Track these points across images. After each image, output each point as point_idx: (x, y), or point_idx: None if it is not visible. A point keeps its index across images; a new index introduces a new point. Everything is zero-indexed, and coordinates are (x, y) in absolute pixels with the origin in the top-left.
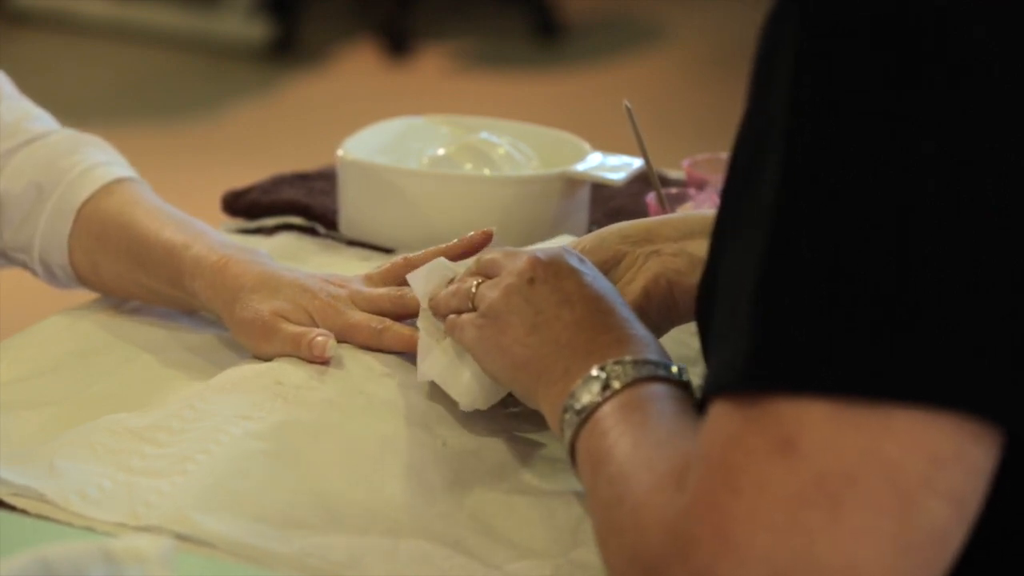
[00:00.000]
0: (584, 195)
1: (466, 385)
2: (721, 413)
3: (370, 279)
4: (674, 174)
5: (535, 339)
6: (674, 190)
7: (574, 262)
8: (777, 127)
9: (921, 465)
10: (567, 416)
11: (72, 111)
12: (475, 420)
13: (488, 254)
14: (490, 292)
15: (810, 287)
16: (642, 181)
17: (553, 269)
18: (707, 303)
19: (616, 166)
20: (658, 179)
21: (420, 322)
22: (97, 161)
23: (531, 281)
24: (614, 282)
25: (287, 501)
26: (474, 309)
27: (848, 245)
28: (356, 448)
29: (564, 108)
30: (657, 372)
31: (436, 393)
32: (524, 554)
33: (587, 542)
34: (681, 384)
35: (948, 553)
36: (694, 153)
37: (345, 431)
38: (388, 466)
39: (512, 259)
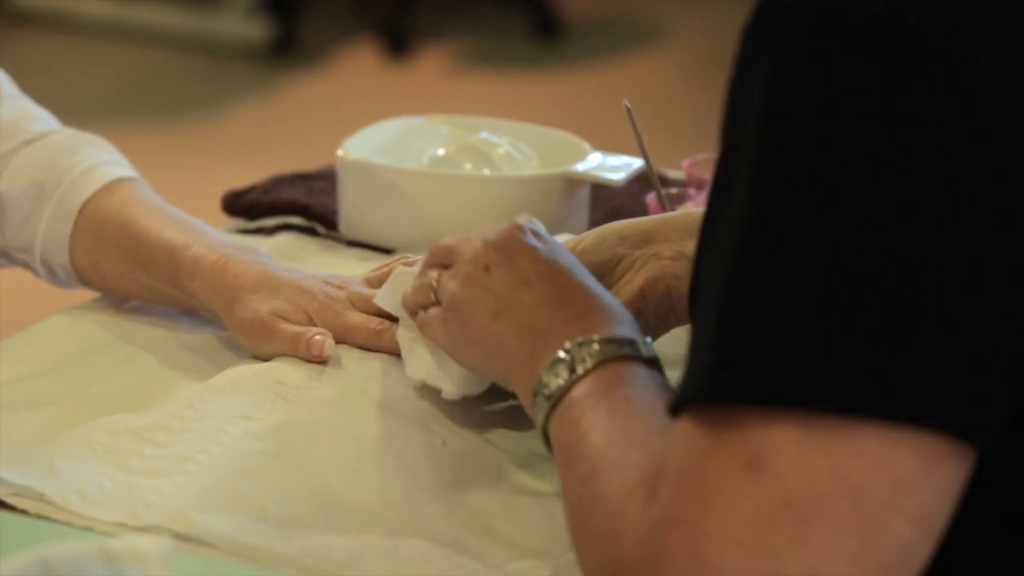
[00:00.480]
0: (584, 195)
1: (448, 377)
2: (691, 426)
3: (369, 281)
4: (674, 174)
5: (500, 326)
6: (674, 190)
7: (528, 239)
8: (750, 136)
9: (887, 488)
10: (537, 400)
11: (72, 111)
12: (475, 420)
13: (443, 241)
14: (450, 284)
15: (776, 300)
16: (642, 181)
17: (507, 252)
18: (694, 308)
19: (616, 166)
20: (658, 179)
21: (399, 329)
22: (98, 161)
23: (487, 268)
24: (612, 284)
25: (287, 501)
26: (439, 302)
27: (813, 259)
28: (356, 448)
29: (564, 108)
30: (623, 351)
31: (435, 393)
32: (524, 554)
33: None
34: (649, 361)
35: (913, 570)
36: (694, 153)
37: (345, 431)
38: (388, 466)
39: (466, 245)
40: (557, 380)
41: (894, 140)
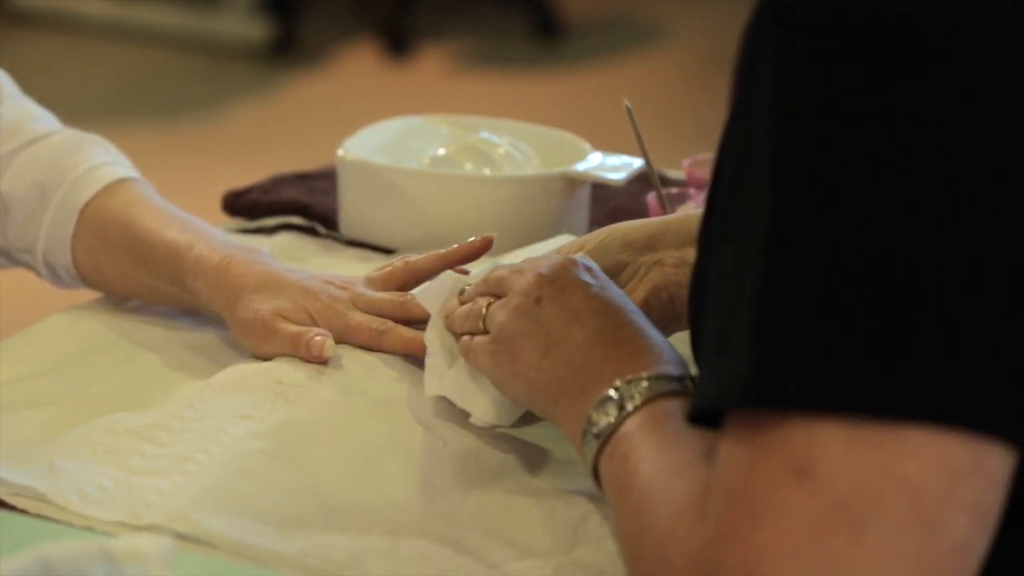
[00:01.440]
0: (584, 195)
1: (486, 405)
2: (733, 438)
3: (371, 282)
4: (674, 174)
5: (548, 362)
6: (674, 190)
7: (580, 274)
8: (762, 137)
9: (941, 480)
10: (587, 439)
11: (72, 111)
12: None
13: (496, 271)
14: (499, 314)
15: (814, 304)
16: (642, 181)
17: (559, 285)
18: (698, 308)
19: (616, 166)
20: (658, 179)
21: (429, 335)
22: (100, 161)
23: (538, 301)
24: None
25: (287, 501)
26: (486, 330)
27: (851, 260)
28: (356, 448)
29: (564, 108)
30: (672, 387)
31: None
32: (524, 554)
33: (587, 542)
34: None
35: (972, 563)
36: (694, 153)
37: (345, 431)
38: (388, 466)
39: (519, 277)
40: (606, 418)
41: (895, 140)
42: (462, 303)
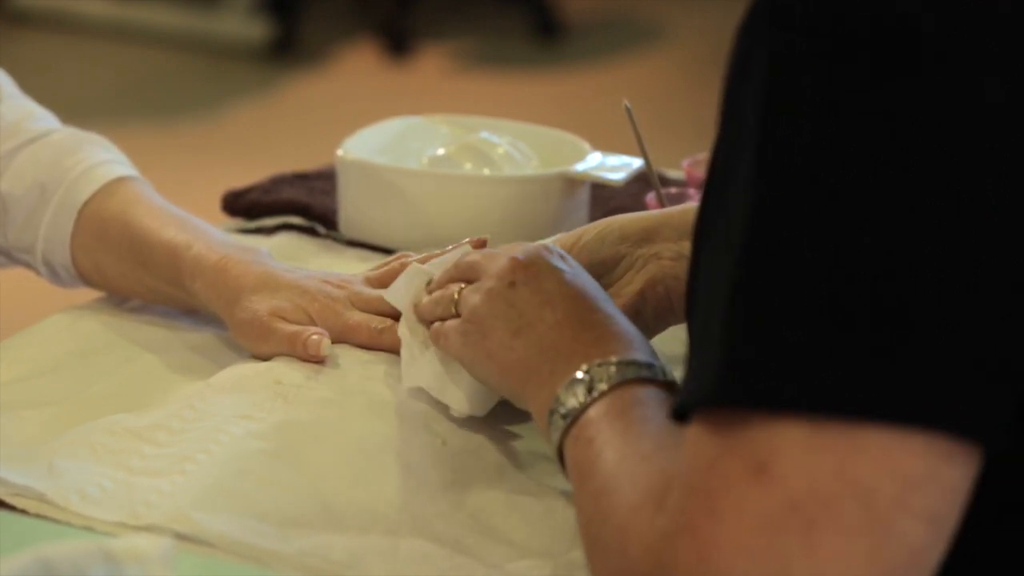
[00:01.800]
0: (584, 195)
1: (459, 393)
2: (698, 433)
3: (369, 281)
4: (674, 174)
5: (520, 342)
6: (674, 190)
7: (554, 260)
8: (752, 135)
9: (894, 487)
10: (553, 419)
11: (72, 111)
12: (475, 420)
13: (468, 257)
14: (472, 297)
15: (781, 304)
16: (642, 181)
17: (533, 270)
18: (691, 305)
19: (616, 166)
20: (658, 179)
21: (402, 329)
22: (99, 160)
23: (512, 284)
24: (612, 283)
25: (287, 501)
26: (458, 315)
27: (815, 262)
28: (356, 448)
29: (564, 108)
30: (641, 373)
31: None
32: (524, 554)
33: None
34: (665, 384)
35: (926, 568)
36: (694, 153)
37: (345, 431)
38: (388, 466)
39: (492, 261)
40: (574, 400)
41: (894, 140)
42: (430, 292)
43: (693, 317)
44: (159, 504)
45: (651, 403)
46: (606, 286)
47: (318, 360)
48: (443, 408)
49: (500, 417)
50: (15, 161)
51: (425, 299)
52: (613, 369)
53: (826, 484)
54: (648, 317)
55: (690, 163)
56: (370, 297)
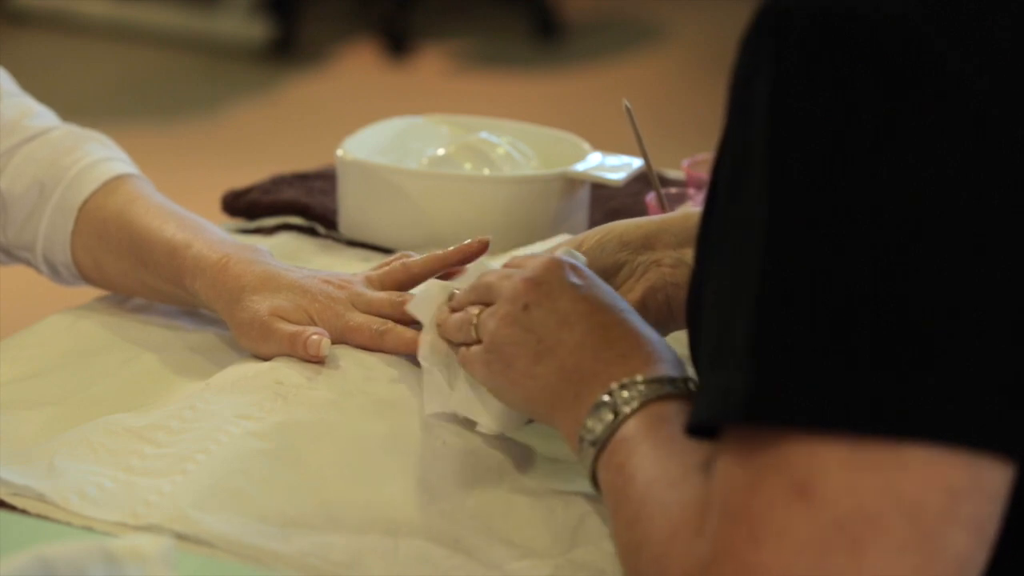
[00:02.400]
0: (584, 195)
1: (490, 415)
2: (733, 454)
3: (370, 281)
4: (674, 174)
5: (541, 369)
6: (674, 190)
7: (568, 276)
8: (759, 148)
9: (940, 499)
10: (583, 447)
11: (72, 111)
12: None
13: (484, 277)
14: (489, 323)
15: (813, 321)
16: (642, 181)
17: (546, 290)
18: (695, 314)
19: (616, 166)
20: (658, 179)
21: (423, 349)
22: (98, 157)
23: (526, 307)
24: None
25: (287, 501)
26: (479, 339)
27: (850, 276)
28: (356, 448)
29: (564, 108)
30: (667, 390)
31: None
32: (524, 554)
33: (587, 542)
34: (692, 397)
35: None
36: (694, 153)
37: (345, 431)
38: (388, 466)
39: (506, 283)
40: (601, 424)
41: (897, 153)
42: (452, 310)
43: (700, 328)
44: (159, 504)
45: (677, 420)
46: None
47: (318, 360)
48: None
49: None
50: (14, 159)
51: (448, 318)
52: (640, 388)
53: (872, 501)
54: (649, 323)
55: (690, 163)
56: (371, 298)
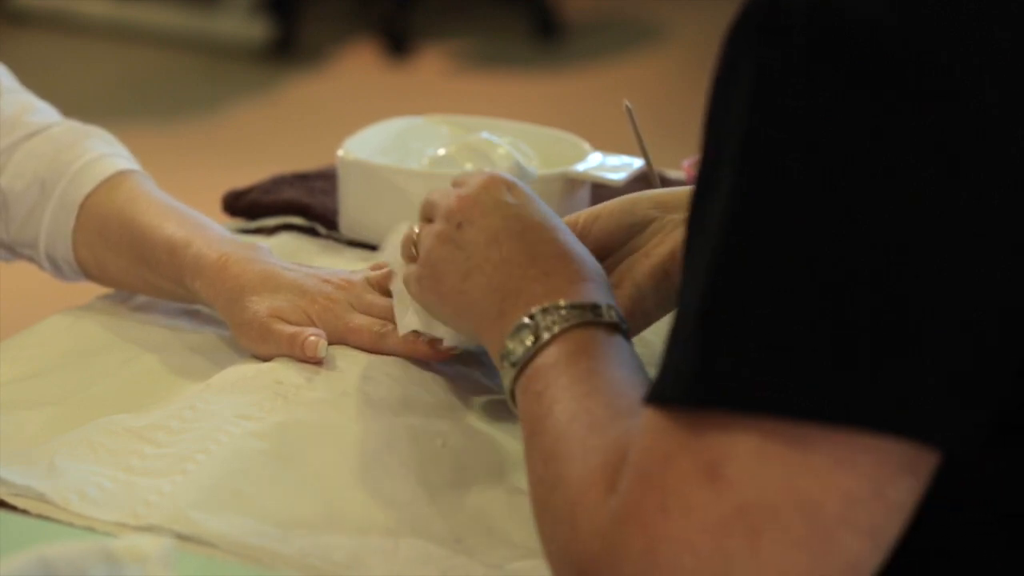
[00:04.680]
0: (584, 195)
1: (445, 330)
2: (658, 423)
3: (370, 282)
4: (674, 174)
5: (469, 284)
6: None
7: (502, 194)
8: (732, 142)
9: (837, 503)
10: (504, 365)
11: (72, 111)
12: (475, 420)
13: (429, 196)
14: (425, 241)
15: (748, 309)
16: (642, 181)
17: (479, 208)
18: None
19: (616, 166)
20: (658, 179)
21: (395, 282)
22: (99, 153)
23: (459, 226)
24: (642, 244)
25: (287, 501)
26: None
27: (789, 271)
28: (356, 448)
29: (564, 108)
30: (587, 317)
31: (437, 392)
32: (524, 554)
33: None
34: (613, 326)
35: None
36: (694, 153)
37: (345, 431)
38: (388, 466)
39: (444, 201)
40: (522, 346)
41: (879, 151)
42: None
43: (676, 315)
44: (159, 504)
45: (599, 352)
46: (636, 247)
47: (316, 362)
48: (443, 408)
49: (500, 417)
50: (15, 156)
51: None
52: (560, 314)
53: (774, 494)
54: (676, 279)
55: (690, 163)
56: (372, 304)
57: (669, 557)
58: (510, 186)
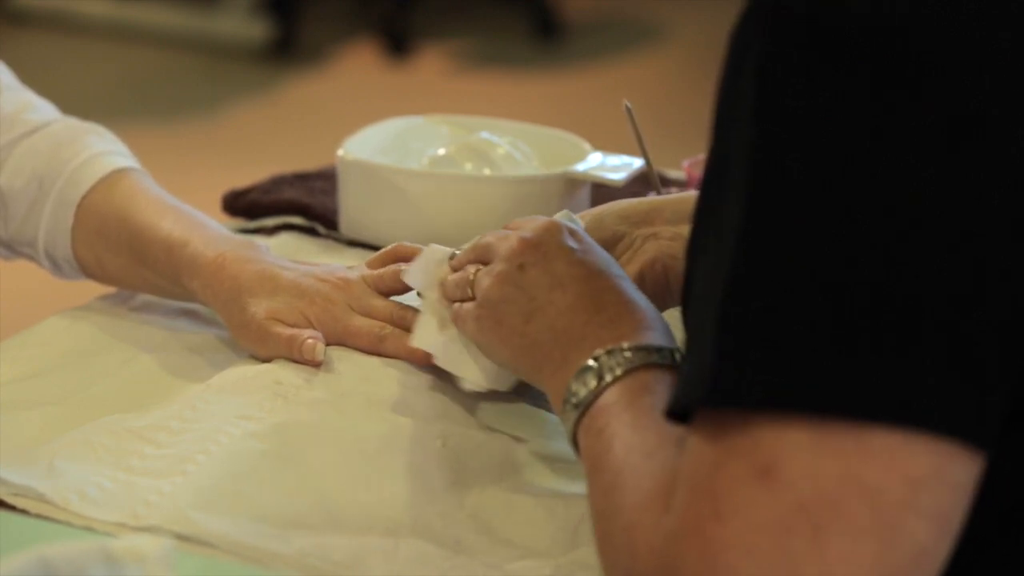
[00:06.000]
0: (584, 195)
1: (477, 371)
2: (703, 434)
3: (366, 280)
4: (674, 174)
5: (531, 327)
6: (674, 190)
7: (564, 239)
8: (742, 140)
9: (900, 488)
10: (566, 408)
11: (72, 111)
12: (475, 420)
13: (484, 238)
14: (484, 280)
15: (782, 304)
16: (642, 181)
17: (542, 251)
18: (687, 304)
19: (616, 166)
20: (658, 179)
21: (423, 307)
22: (97, 151)
23: (521, 267)
24: None
25: (287, 501)
26: (474, 297)
27: (818, 264)
28: (356, 448)
29: (564, 108)
30: (651, 359)
31: (436, 392)
32: (524, 554)
33: (587, 542)
34: (677, 368)
35: (932, 568)
36: (694, 153)
37: (345, 431)
38: (388, 466)
39: (503, 243)
40: (585, 388)
41: (887, 147)
42: (452, 269)
43: (689, 313)
44: (159, 504)
45: (659, 389)
46: None
47: (314, 364)
48: (442, 408)
49: (500, 417)
50: (14, 154)
51: (447, 276)
52: (626, 355)
53: (833, 486)
54: (647, 296)
55: (690, 163)
56: (371, 306)
57: (729, 564)
58: (571, 231)
